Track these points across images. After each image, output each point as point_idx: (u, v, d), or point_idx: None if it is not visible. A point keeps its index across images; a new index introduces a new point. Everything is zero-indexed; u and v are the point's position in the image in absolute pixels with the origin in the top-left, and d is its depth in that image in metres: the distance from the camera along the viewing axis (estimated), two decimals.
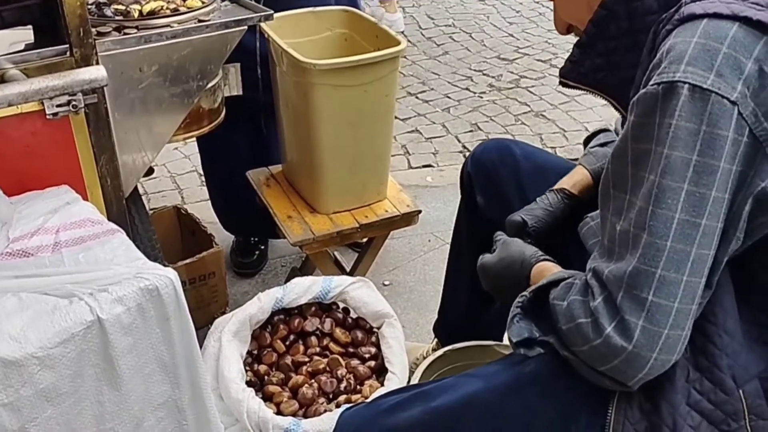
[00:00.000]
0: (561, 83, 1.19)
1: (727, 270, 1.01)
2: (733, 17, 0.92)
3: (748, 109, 0.91)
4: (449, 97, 3.69)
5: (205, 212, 2.60)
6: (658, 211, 0.94)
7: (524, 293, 1.15)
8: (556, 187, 1.49)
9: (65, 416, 1.08)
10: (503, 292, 1.30)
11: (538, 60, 4.01)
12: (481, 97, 3.68)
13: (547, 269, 1.19)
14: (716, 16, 0.93)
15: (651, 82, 0.95)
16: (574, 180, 1.50)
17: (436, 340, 1.90)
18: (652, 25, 1.03)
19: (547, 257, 1.23)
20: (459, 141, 3.31)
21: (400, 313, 2.28)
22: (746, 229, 0.97)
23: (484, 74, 3.92)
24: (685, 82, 0.91)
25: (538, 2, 4.79)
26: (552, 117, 3.49)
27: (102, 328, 1.08)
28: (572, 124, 3.42)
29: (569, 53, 1.17)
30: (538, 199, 1.48)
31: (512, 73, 3.91)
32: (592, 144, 1.54)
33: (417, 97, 3.69)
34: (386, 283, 2.41)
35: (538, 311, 1.12)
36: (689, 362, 1.03)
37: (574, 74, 1.16)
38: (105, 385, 1.11)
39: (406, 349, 1.72)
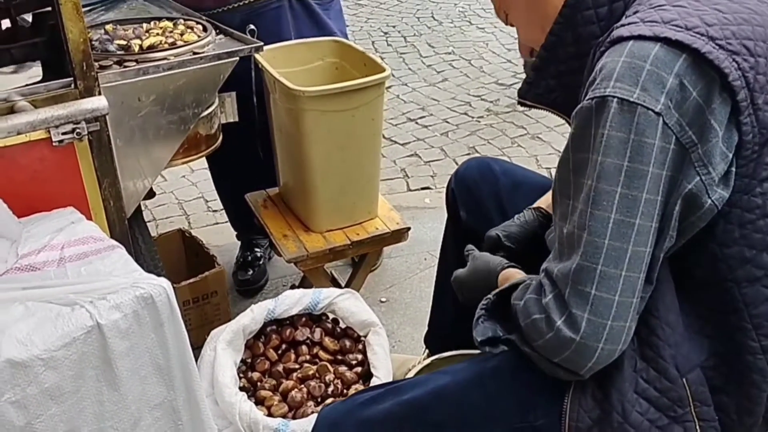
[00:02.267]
0: (519, 103, 1.30)
1: (668, 266, 1.10)
2: (655, 38, 1.01)
3: (673, 119, 1.00)
4: (448, 122, 3.80)
5: (211, 236, 2.73)
6: (596, 213, 1.03)
7: (488, 296, 1.24)
8: (533, 206, 1.59)
9: (68, 414, 1.18)
10: (475, 302, 1.40)
11: None
12: (479, 121, 3.79)
13: (512, 275, 1.28)
14: (640, 37, 1.02)
15: (586, 98, 1.05)
16: (549, 200, 1.59)
17: (426, 350, 1.98)
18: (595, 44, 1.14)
19: (512, 264, 1.32)
20: (456, 164, 3.40)
21: (396, 328, 2.38)
22: (678, 228, 1.06)
23: (482, 99, 4.03)
24: (614, 96, 1.01)
25: None
26: (547, 139, 3.59)
27: (101, 332, 1.18)
28: None
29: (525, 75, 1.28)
30: (516, 216, 1.57)
31: (509, 97, 4.01)
32: None
33: (417, 123, 3.81)
34: (383, 299, 2.50)
35: (502, 312, 1.22)
36: (636, 353, 1.12)
37: (530, 94, 1.26)
38: (104, 386, 1.21)
39: (399, 362, 1.81)
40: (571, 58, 1.17)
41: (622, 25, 1.06)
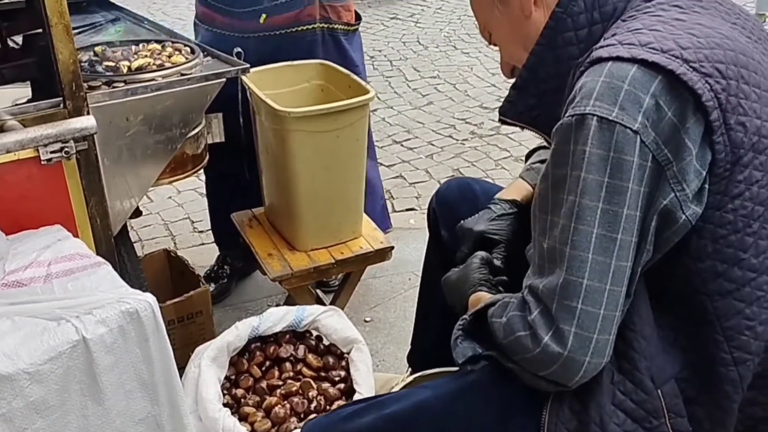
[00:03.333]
0: (500, 121, 1.33)
1: (642, 280, 1.13)
2: (632, 60, 1.06)
3: (650, 137, 1.04)
4: (433, 144, 3.85)
5: (196, 257, 2.74)
6: (580, 227, 1.06)
7: (464, 317, 1.27)
8: (503, 196, 1.61)
9: (53, 428, 1.19)
10: (458, 307, 1.43)
11: None
12: (464, 144, 3.84)
13: (481, 297, 1.32)
14: (619, 59, 1.06)
15: (566, 115, 1.08)
16: (518, 189, 1.62)
17: (410, 369, 2.00)
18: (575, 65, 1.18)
19: (482, 289, 1.35)
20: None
21: (381, 347, 2.39)
22: (654, 243, 1.09)
23: (466, 122, 4.09)
24: (593, 114, 1.04)
25: None
26: None
27: (87, 347, 1.20)
28: None
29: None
30: (491, 205, 1.59)
31: (493, 121, 4.07)
32: (532, 159, 1.68)
33: (402, 145, 3.85)
34: (367, 319, 2.52)
35: (479, 331, 1.24)
36: (613, 366, 1.15)
37: (511, 113, 1.30)
38: (89, 400, 1.22)
39: (382, 380, 1.83)
40: (551, 78, 1.21)
41: (601, 47, 1.10)
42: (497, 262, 1.47)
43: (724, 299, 1.12)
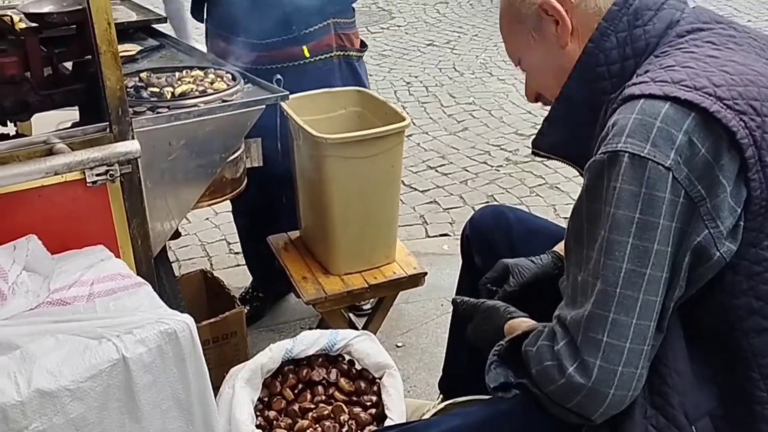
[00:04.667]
0: (533, 153, 1.35)
1: (677, 315, 1.13)
2: (665, 97, 1.06)
3: (682, 174, 1.05)
4: (467, 170, 3.86)
5: (232, 278, 2.78)
6: (608, 262, 1.07)
7: (501, 342, 1.28)
8: (550, 250, 1.63)
9: None
10: (487, 348, 1.43)
11: None
12: (498, 170, 3.85)
13: (518, 325, 1.32)
14: (651, 96, 1.07)
15: (598, 152, 1.10)
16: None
17: (441, 395, 2.00)
18: (607, 101, 1.19)
19: (517, 314, 1.36)
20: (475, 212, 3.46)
21: (412, 373, 2.40)
22: (688, 279, 1.09)
23: (501, 149, 4.10)
24: (625, 151, 1.05)
25: None
26: (566, 189, 3.63)
27: (126, 365, 1.23)
28: None
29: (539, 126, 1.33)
30: (532, 257, 1.61)
31: (529, 147, 4.02)
32: None
33: (436, 170, 3.87)
34: (399, 344, 2.52)
35: (514, 359, 1.25)
36: (646, 401, 1.14)
37: (543, 145, 1.32)
38: (127, 418, 1.25)
39: (414, 406, 1.84)
40: (583, 112, 1.22)
41: (634, 84, 1.11)
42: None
43: (760, 336, 1.12)
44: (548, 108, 1.31)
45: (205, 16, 2.39)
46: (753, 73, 1.11)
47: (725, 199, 1.06)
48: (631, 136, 1.05)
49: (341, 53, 2.32)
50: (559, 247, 1.61)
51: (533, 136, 1.33)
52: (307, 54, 2.23)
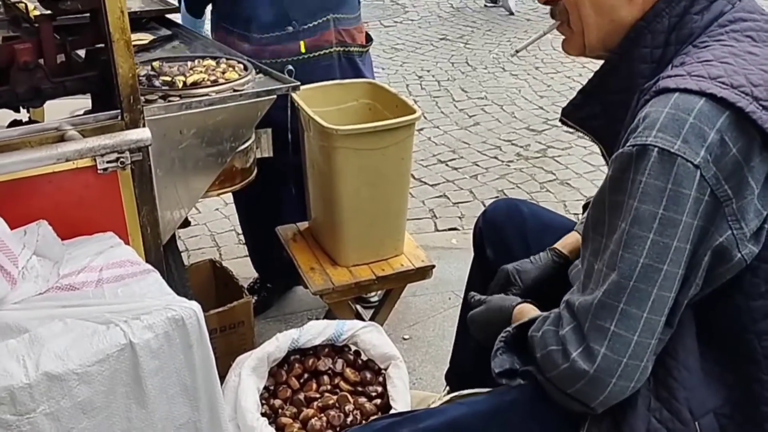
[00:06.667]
0: (561, 121, 1.33)
1: (691, 312, 1.13)
2: (701, 93, 1.04)
3: (710, 172, 1.03)
4: (478, 165, 3.86)
5: (240, 268, 2.79)
6: (626, 255, 1.06)
7: (507, 329, 1.28)
8: (551, 247, 1.62)
9: (98, 428, 1.23)
10: (491, 340, 1.43)
11: (565, 131, 4.16)
12: (509, 166, 3.84)
13: (527, 310, 1.32)
14: (686, 91, 1.05)
15: (627, 143, 1.08)
16: (566, 242, 1.62)
17: (447, 387, 2.00)
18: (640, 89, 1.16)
19: (526, 300, 1.36)
20: (485, 206, 3.44)
21: (418, 365, 2.40)
22: (705, 278, 1.09)
23: (512, 144, 4.09)
24: (655, 146, 1.04)
25: (569, 77, 4.99)
26: (577, 185, 3.62)
27: (133, 351, 1.24)
28: None
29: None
30: (532, 256, 1.61)
31: (540, 143, 4.07)
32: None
33: (447, 165, 3.87)
34: (406, 337, 2.53)
35: (520, 345, 1.25)
36: (651, 393, 1.14)
37: (573, 116, 1.30)
38: (133, 403, 1.26)
39: (419, 398, 1.84)
40: (619, 91, 1.20)
41: (669, 77, 1.09)
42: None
43: None
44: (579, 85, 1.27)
45: (210, 9, 2.41)
46: None
47: (752, 201, 1.05)
48: (662, 131, 1.04)
49: (341, 49, 2.31)
50: (561, 244, 1.61)
51: (546, 132, 1.32)
52: (303, 50, 2.23)
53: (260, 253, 2.65)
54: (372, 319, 2.21)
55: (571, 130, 1.33)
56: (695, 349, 1.15)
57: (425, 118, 4.39)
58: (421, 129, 4.24)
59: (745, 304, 1.11)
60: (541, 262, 1.56)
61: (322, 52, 2.27)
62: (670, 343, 1.12)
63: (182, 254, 2.61)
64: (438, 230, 3.29)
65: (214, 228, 3.25)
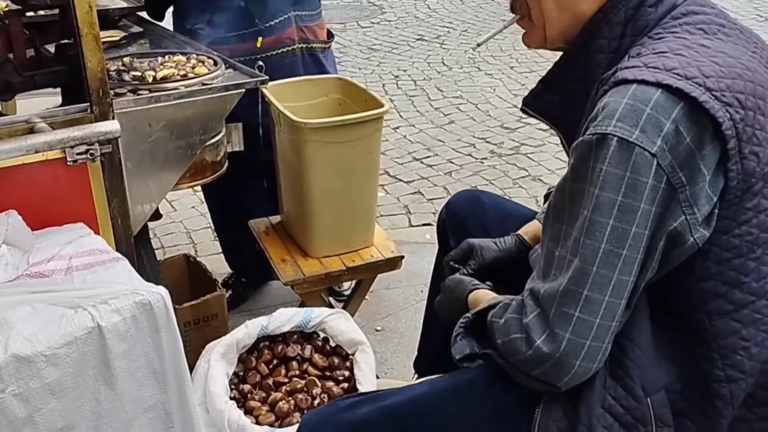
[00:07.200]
0: (522, 110, 1.38)
1: (645, 294, 1.17)
2: (657, 84, 1.09)
3: (666, 161, 1.08)
4: (452, 162, 3.91)
5: (216, 264, 2.82)
6: (588, 241, 1.10)
7: (467, 315, 1.32)
8: (515, 233, 1.67)
9: (67, 409, 1.26)
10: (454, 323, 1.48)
11: (539, 129, 4.23)
12: (483, 163, 3.89)
13: (480, 296, 1.37)
14: (643, 82, 1.09)
15: (587, 132, 1.12)
16: (528, 229, 1.67)
17: (416, 375, 2.05)
18: (599, 79, 1.21)
19: (480, 286, 1.40)
20: None
21: (390, 356, 2.44)
22: (660, 261, 1.13)
23: (486, 141, 4.14)
24: (614, 135, 1.08)
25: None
26: (549, 181, 3.68)
27: (101, 334, 1.27)
28: None
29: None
30: (497, 239, 1.66)
31: (513, 140, 4.13)
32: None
33: (422, 162, 3.91)
34: (378, 328, 2.57)
35: (478, 330, 1.29)
36: (607, 371, 1.19)
37: (534, 105, 1.35)
38: (102, 385, 1.30)
39: (389, 387, 1.88)
40: (578, 81, 1.25)
41: (627, 68, 1.13)
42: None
43: (722, 319, 1.16)
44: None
45: (172, 10, 2.44)
46: (740, 66, 1.14)
47: (703, 188, 1.09)
48: (621, 121, 1.08)
49: (304, 46, 2.35)
50: (523, 230, 1.66)
51: (520, 130, 1.36)
52: (259, 45, 2.26)
53: (232, 248, 2.69)
54: (343, 309, 2.25)
55: (545, 127, 1.37)
56: (648, 330, 1.19)
57: (401, 116, 4.44)
58: (397, 127, 4.29)
59: (696, 286, 1.15)
60: (504, 246, 1.61)
61: (285, 50, 2.31)
62: (626, 325, 1.16)
63: (158, 251, 2.64)
64: (412, 225, 3.33)
65: (189, 225, 3.27)
